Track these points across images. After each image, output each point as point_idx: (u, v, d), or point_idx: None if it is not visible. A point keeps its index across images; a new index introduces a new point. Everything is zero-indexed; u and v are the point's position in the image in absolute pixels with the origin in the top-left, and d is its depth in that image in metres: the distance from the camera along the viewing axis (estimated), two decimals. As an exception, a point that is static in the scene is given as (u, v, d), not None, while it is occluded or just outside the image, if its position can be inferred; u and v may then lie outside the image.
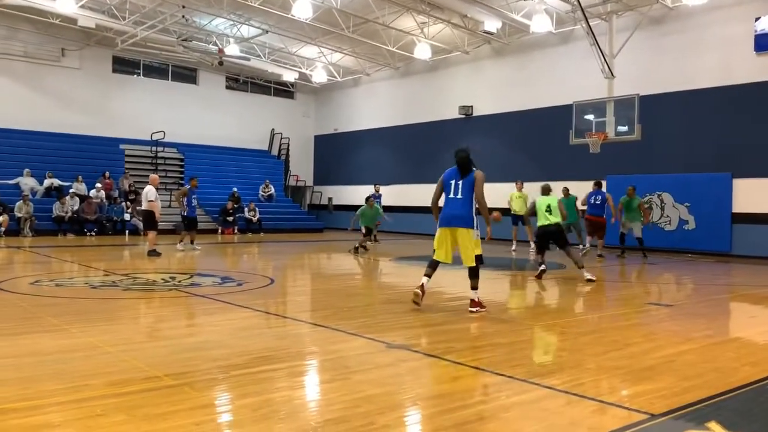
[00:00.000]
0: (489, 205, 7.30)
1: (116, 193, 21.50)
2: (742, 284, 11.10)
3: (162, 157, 24.32)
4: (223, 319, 6.75)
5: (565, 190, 16.30)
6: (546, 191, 11.05)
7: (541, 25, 17.85)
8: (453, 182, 7.06)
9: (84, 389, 3.94)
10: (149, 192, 13.54)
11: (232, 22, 21.23)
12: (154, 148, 24.13)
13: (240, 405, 3.86)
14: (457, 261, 7.38)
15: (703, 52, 16.39)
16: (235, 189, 23.48)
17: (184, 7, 19.15)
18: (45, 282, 9.25)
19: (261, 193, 25.17)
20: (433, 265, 7.21)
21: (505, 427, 3.51)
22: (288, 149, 28.15)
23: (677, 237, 16.64)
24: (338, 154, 27.83)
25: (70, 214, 19.48)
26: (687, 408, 3.81)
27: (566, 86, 18.58)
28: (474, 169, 7.12)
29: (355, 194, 25.44)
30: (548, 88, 19.55)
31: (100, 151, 23.18)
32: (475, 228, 7.11)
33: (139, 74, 25.36)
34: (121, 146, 23.98)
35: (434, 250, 7.21)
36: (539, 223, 10.75)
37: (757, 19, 15.45)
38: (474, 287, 7.11)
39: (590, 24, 15.99)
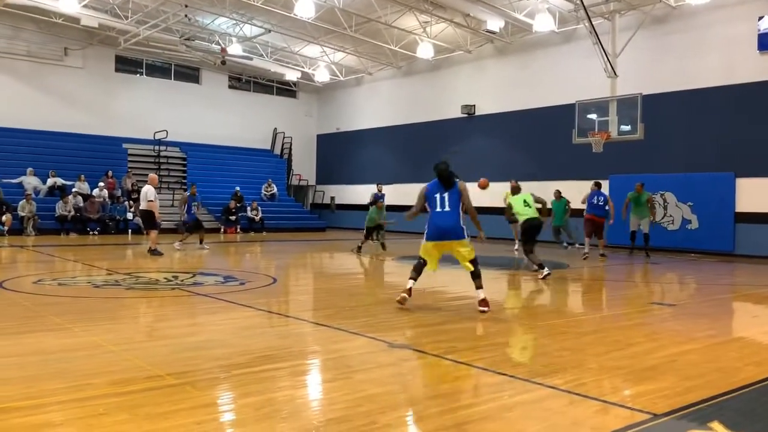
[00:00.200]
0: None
1: (119, 193, 21.54)
2: (745, 284, 11.08)
3: (165, 157, 24.35)
4: (225, 318, 6.76)
5: (557, 193, 16.49)
6: (516, 191, 11.36)
7: (543, 24, 17.84)
8: (438, 195, 7.06)
9: (86, 388, 3.95)
10: (148, 192, 13.58)
11: (234, 22, 21.25)
12: (156, 148, 24.16)
13: (242, 404, 3.87)
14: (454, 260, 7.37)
15: (707, 52, 16.36)
16: (237, 188, 23.49)
17: (186, 6, 19.17)
18: (48, 281, 9.27)
19: (263, 192, 25.19)
20: (419, 270, 7.22)
21: (507, 427, 3.51)
22: (290, 148, 28.16)
23: (680, 236, 16.61)
24: (341, 154, 27.83)
25: (73, 213, 19.51)
26: (689, 408, 3.80)
27: (569, 85, 18.55)
28: (456, 180, 7.16)
29: (358, 194, 25.46)
30: (551, 87, 19.53)
31: (103, 151, 23.20)
32: (466, 236, 7.13)
33: (141, 73, 25.39)
34: (124, 145, 24.00)
35: (421, 258, 7.22)
36: (523, 218, 10.96)
37: (760, 18, 15.41)
38: (480, 286, 7.13)
39: (593, 23, 15.96)
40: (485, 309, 7.02)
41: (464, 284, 10.34)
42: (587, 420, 3.60)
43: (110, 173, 21.86)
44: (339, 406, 3.81)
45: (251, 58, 24.22)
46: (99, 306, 7.47)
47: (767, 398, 4.19)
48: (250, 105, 27.67)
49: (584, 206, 15.06)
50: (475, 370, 4.64)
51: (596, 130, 16.08)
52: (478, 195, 19.64)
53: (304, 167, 28.89)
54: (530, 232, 10.98)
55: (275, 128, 28.16)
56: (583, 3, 15.47)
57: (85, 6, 19.58)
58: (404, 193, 23.82)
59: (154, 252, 13.17)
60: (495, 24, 18.75)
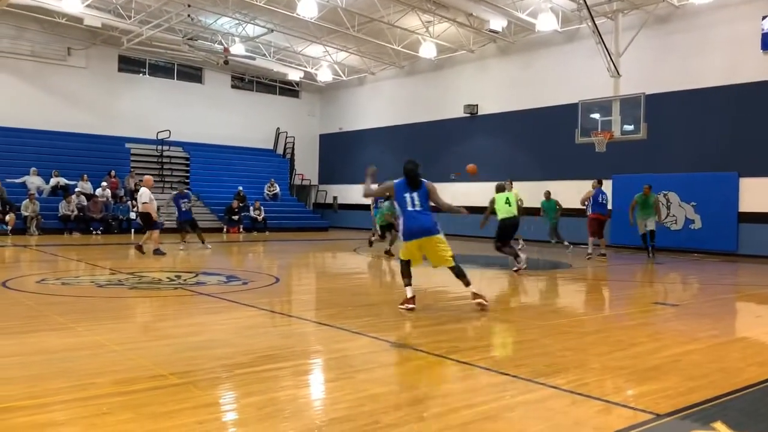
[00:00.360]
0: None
1: (122, 192, 21.57)
2: (749, 284, 11.06)
3: (168, 156, 24.39)
4: (228, 317, 6.76)
5: (547, 194, 16.82)
6: (500, 189, 11.54)
7: (546, 23, 17.81)
8: (408, 195, 7.04)
9: (90, 387, 3.96)
10: (143, 194, 13.65)
11: (237, 21, 21.27)
12: (159, 147, 24.20)
13: (245, 404, 3.87)
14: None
15: (710, 51, 16.32)
16: (240, 188, 23.52)
17: (189, 6, 19.18)
18: (51, 280, 9.29)
19: (266, 192, 25.21)
20: (408, 273, 7.19)
21: (509, 427, 3.51)
22: (293, 148, 28.17)
23: (683, 236, 16.59)
24: (343, 153, 27.83)
25: (76, 212, 19.55)
26: (692, 408, 3.79)
27: (572, 85, 18.53)
28: (423, 180, 7.15)
29: (360, 193, 25.42)
30: (554, 86, 19.51)
31: (106, 150, 23.25)
32: (441, 232, 7.14)
33: (144, 73, 25.42)
34: (127, 145, 24.05)
35: (402, 261, 7.22)
36: (502, 216, 11.19)
37: (763, 18, 15.37)
38: (468, 283, 7.13)
39: (596, 22, 15.93)
40: (483, 302, 7.02)
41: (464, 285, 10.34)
42: (590, 420, 3.60)
43: (113, 173, 21.90)
44: (342, 405, 3.81)
45: (254, 58, 24.23)
46: (102, 305, 7.48)
47: (770, 398, 4.18)
48: (253, 105, 27.69)
49: (583, 206, 15.04)
50: (478, 369, 4.64)
51: (599, 130, 16.05)
52: (476, 194, 19.71)
53: (307, 167, 28.91)
54: (508, 231, 11.30)
55: (278, 128, 28.18)
56: (586, 2, 15.45)
57: (88, 6, 19.60)
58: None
59: (157, 252, 13.20)
60: (498, 24, 18.73)
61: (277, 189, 25.58)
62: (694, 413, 3.71)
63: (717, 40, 16.22)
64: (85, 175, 21.08)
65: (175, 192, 15.74)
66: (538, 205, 17.41)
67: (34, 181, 20.49)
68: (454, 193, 21.82)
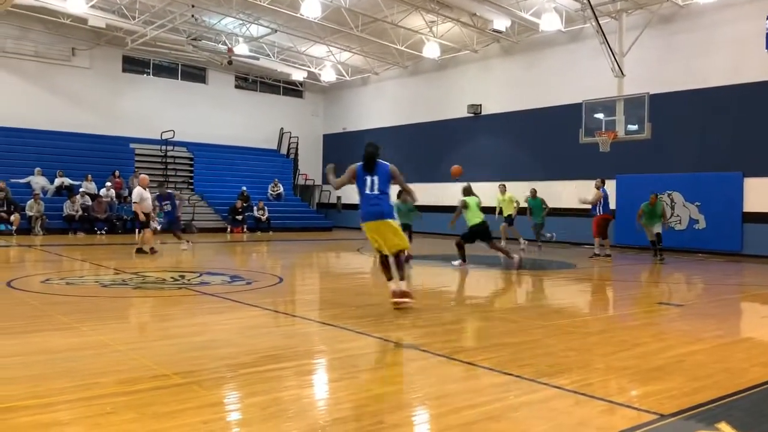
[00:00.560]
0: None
1: (126, 192, 21.58)
2: (753, 284, 11.02)
3: (171, 156, 24.42)
4: (231, 317, 6.77)
5: (533, 192, 17.00)
6: (469, 192, 11.71)
7: (550, 23, 17.80)
8: (369, 178, 7.05)
9: (94, 387, 3.97)
10: (134, 194, 13.68)
11: (241, 22, 21.29)
12: (163, 147, 24.23)
13: (248, 404, 3.87)
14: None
15: (714, 51, 16.28)
16: (244, 188, 23.54)
17: (193, 6, 19.21)
18: (56, 280, 9.32)
19: (270, 192, 25.23)
20: (386, 264, 7.16)
21: (513, 427, 3.50)
22: (297, 148, 28.20)
23: (687, 236, 16.54)
24: (347, 153, 27.60)
25: (80, 212, 19.60)
26: (697, 408, 3.78)
27: (576, 85, 18.50)
28: (385, 163, 7.17)
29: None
30: (557, 86, 19.48)
31: (110, 150, 23.30)
32: (396, 218, 7.19)
33: (148, 74, 25.47)
34: (131, 145, 24.10)
35: (378, 251, 7.20)
36: (475, 222, 11.38)
37: (768, 17, 15.33)
38: (402, 278, 7.09)
39: (600, 22, 15.92)
40: (406, 300, 6.94)
41: (470, 285, 10.35)
42: (593, 420, 3.59)
43: (117, 173, 21.94)
44: (345, 405, 3.81)
45: (258, 58, 24.27)
46: (106, 305, 7.50)
47: (775, 399, 4.17)
48: (257, 105, 27.72)
49: (588, 206, 15.01)
50: (481, 370, 4.64)
51: (603, 130, 16.02)
52: (479, 194, 19.79)
53: (311, 167, 28.92)
54: (479, 236, 11.51)
55: (281, 128, 28.21)
56: (589, 2, 15.43)
57: (92, 6, 19.66)
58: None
59: (147, 251, 13.22)
60: (501, 23, 18.72)
61: (281, 189, 25.60)
62: (698, 414, 3.70)
63: (721, 40, 16.17)
64: (90, 176, 21.14)
65: (155, 194, 15.32)
66: (550, 206, 17.44)
67: (38, 181, 20.55)
68: (456, 193, 21.84)
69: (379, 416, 3.54)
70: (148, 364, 4.55)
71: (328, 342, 5.69)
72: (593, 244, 14.97)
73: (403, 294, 7.01)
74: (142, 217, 13.46)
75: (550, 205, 17.47)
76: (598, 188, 14.79)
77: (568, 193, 18.15)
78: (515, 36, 20.44)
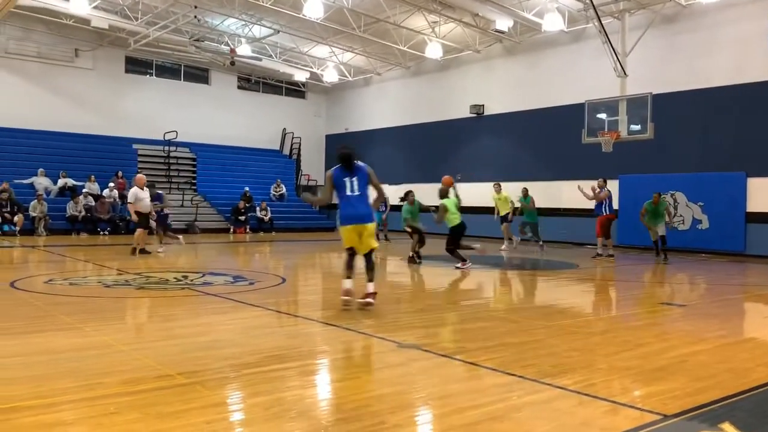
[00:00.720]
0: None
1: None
2: (757, 284, 11.00)
3: (174, 157, 24.46)
4: (234, 317, 6.78)
5: (525, 191, 17.02)
6: (445, 194, 11.85)
7: (553, 23, 17.79)
8: (348, 180, 7.06)
9: (97, 387, 3.98)
10: (129, 194, 13.68)
11: (243, 22, 21.32)
12: (166, 148, 24.27)
13: (251, 404, 3.88)
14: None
15: (717, 50, 16.25)
16: (246, 188, 23.55)
17: (196, 7, 19.25)
18: (59, 281, 9.33)
19: (272, 192, 25.25)
20: (351, 264, 7.15)
21: (516, 428, 3.50)
22: (299, 149, 28.22)
23: (690, 237, 16.51)
24: (350, 154, 27.79)
25: (83, 213, 19.64)
26: (700, 409, 3.78)
27: (578, 85, 18.48)
28: (362, 164, 7.22)
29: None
30: (560, 86, 19.46)
31: (113, 151, 23.33)
32: (374, 220, 7.22)
33: (151, 74, 25.51)
34: (134, 146, 24.13)
35: (348, 250, 7.18)
36: (456, 223, 11.60)
37: (771, 17, 15.30)
38: (371, 279, 7.10)
39: (602, 22, 15.89)
40: (370, 301, 6.97)
41: (471, 285, 10.35)
42: (596, 420, 3.59)
43: (120, 174, 21.96)
44: (348, 406, 3.81)
45: (260, 59, 24.29)
46: (109, 306, 7.51)
47: (779, 399, 4.16)
48: (259, 105, 27.74)
49: (592, 205, 15.01)
50: (484, 370, 4.64)
51: (606, 130, 15.99)
52: (484, 195, 19.63)
53: (313, 167, 28.91)
54: (461, 235, 11.71)
55: (284, 129, 28.23)
56: (592, 2, 15.41)
57: (95, 7, 19.70)
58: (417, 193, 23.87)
59: (137, 251, 13.23)
60: (504, 24, 18.71)
61: (284, 189, 25.62)
62: (701, 414, 3.70)
63: (724, 40, 16.15)
64: (93, 176, 21.17)
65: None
66: (552, 206, 17.44)
67: (41, 182, 20.59)
68: (460, 193, 21.83)
69: (381, 416, 3.55)
70: (152, 365, 4.56)
71: (331, 342, 5.70)
72: (595, 244, 14.96)
73: (368, 295, 7.02)
74: (134, 217, 13.44)
75: (553, 205, 17.48)
76: (601, 188, 14.79)
77: (570, 193, 18.11)
78: (518, 36, 20.43)
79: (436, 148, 23.40)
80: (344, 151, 7.17)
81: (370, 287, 7.06)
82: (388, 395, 3.98)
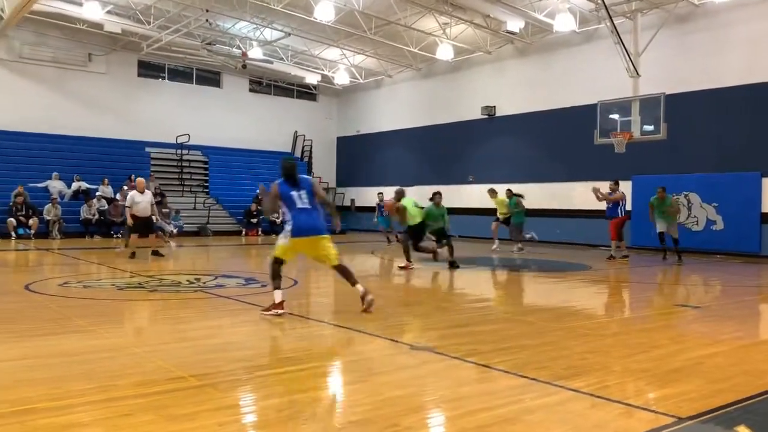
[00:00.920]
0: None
1: (142, 196, 21.74)
2: (772, 285, 10.89)
3: (187, 160, 24.59)
4: (246, 320, 6.79)
5: (509, 192, 17.20)
6: (402, 195, 12.53)
7: (564, 24, 17.70)
8: (295, 193, 6.91)
9: (111, 389, 4.00)
10: (127, 198, 13.68)
11: (255, 26, 21.39)
12: (179, 151, 24.40)
13: (264, 406, 3.89)
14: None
15: (730, 50, 16.12)
16: (258, 191, 23.58)
17: (207, 11, 19.34)
18: (73, 283, 9.40)
19: (284, 195, 25.26)
20: (279, 275, 6.99)
21: (529, 430, 3.48)
22: (311, 151, 28.28)
23: (705, 238, 16.37)
24: (361, 156, 27.87)
25: (97, 216, 19.78)
26: (715, 411, 3.74)
27: (590, 85, 18.38)
28: (306, 177, 7.17)
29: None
30: (572, 87, 19.38)
31: (126, 155, 23.48)
32: (327, 230, 7.12)
33: (163, 78, 25.66)
34: (147, 149, 24.27)
35: (276, 260, 7.02)
36: (413, 223, 12.05)
37: (786, 16, 15.16)
38: (355, 283, 7.04)
39: (614, 22, 15.80)
40: (370, 300, 6.96)
41: (484, 286, 10.32)
42: (610, 423, 3.57)
43: (133, 177, 22.05)
44: (360, 408, 3.81)
45: (271, 62, 24.35)
46: (123, 308, 7.56)
47: (796, 402, 4.11)
48: (271, 108, 27.83)
49: (604, 206, 14.93)
50: (497, 372, 4.62)
51: (619, 131, 15.91)
52: (468, 196, 19.59)
53: (325, 170, 28.96)
54: (419, 235, 12.17)
55: (296, 131, 28.30)
56: (604, 2, 15.33)
57: (108, 12, 19.85)
58: (425, 195, 23.84)
59: (163, 253, 13.27)
60: (515, 25, 18.65)
61: (295, 192, 25.62)
62: (717, 417, 3.66)
63: (737, 39, 16.02)
64: (106, 179, 21.32)
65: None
66: (565, 207, 17.39)
67: (56, 185, 20.77)
68: (470, 195, 21.83)
69: (393, 419, 3.54)
70: (165, 366, 4.59)
71: (343, 344, 5.70)
72: (609, 246, 14.87)
73: (363, 297, 6.99)
74: (129, 221, 13.41)
75: (565, 206, 17.40)
76: (614, 190, 14.70)
77: (583, 195, 18.02)
78: (529, 37, 20.37)
79: (448, 149, 23.37)
80: (286, 164, 7.08)
81: (361, 289, 7.01)
82: (400, 398, 3.98)
